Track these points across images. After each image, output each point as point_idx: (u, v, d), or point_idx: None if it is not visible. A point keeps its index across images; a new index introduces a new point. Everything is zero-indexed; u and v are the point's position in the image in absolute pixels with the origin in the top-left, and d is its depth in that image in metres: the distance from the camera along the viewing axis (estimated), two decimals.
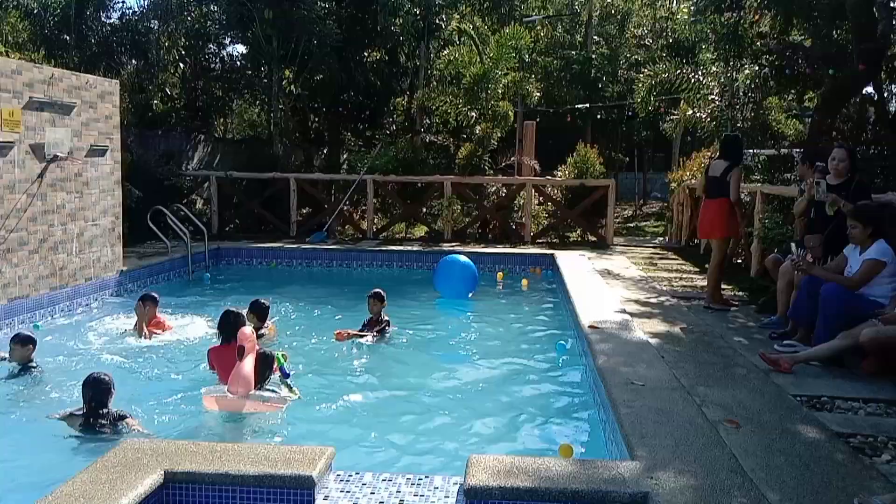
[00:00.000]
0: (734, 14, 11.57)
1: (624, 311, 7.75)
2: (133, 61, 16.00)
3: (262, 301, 7.45)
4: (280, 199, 15.73)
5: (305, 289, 10.97)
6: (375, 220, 15.87)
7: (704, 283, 9.03)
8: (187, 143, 17.44)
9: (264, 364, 5.61)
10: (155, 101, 18.12)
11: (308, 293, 10.45)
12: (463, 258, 10.54)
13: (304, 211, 16.88)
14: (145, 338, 7.51)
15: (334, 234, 15.52)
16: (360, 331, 7.78)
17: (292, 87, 19.20)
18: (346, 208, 16.23)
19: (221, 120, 23.06)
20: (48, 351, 6.91)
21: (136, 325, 7.69)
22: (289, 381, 5.73)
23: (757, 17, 12.13)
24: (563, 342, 7.46)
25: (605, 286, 9.58)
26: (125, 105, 14.92)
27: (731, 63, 13.32)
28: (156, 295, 7.92)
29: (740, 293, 9.18)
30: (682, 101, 15.73)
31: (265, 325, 7.39)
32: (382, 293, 8.01)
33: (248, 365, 5.43)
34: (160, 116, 17.88)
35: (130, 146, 13.61)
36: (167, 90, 18.81)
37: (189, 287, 11.15)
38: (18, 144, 8.16)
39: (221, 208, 15.75)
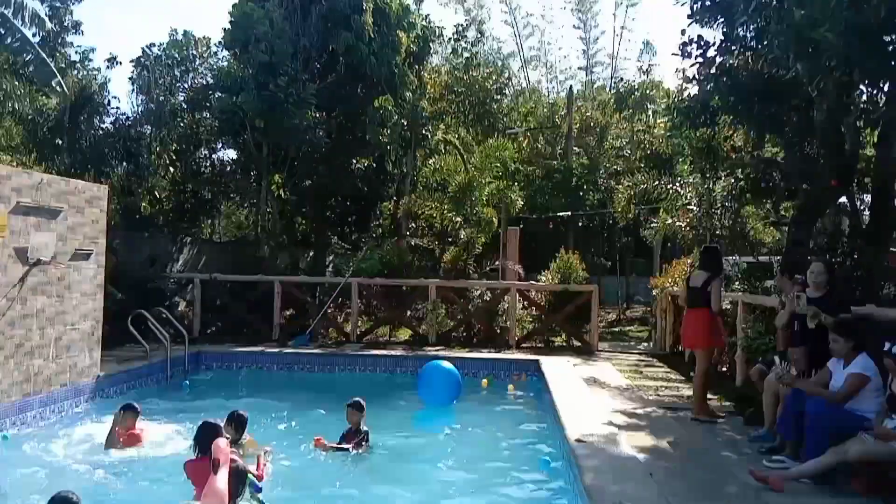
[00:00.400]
0: (708, 129, 12.02)
1: (611, 423, 7.62)
2: (124, 164, 16.23)
3: (241, 412, 7.24)
4: (264, 301, 15.63)
5: (286, 395, 10.70)
6: (360, 322, 15.77)
7: (691, 392, 8.94)
8: (173, 245, 17.48)
9: (238, 479, 5.39)
10: (143, 204, 18.29)
11: (288, 399, 10.20)
12: (446, 364, 10.41)
13: (288, 313, 16.77)
14: (119, 450, 7.23)
15: (318, 337, 15.37)
16: (339, 443, 7.57)
17: (281, 191, 19.51)
18: (330, 311, 16.14)
19: (209, 222, 23.25)
20: (15, 462, 6.63)
21: (108, 436, 7.41)
22: (259, 496, 5.51)
23: (731, 132, 12.61)
24: (546, 458, 7.25)
25: (591, 395, 9.45)
26: (113, 206, 15.05)
27: (708, 175, 13.72)
28: (138, 406, 7.69)
29: (727, 403, 9.08)
30: (661, 210, 16.12)
31: (243, 436, 7.15)
32: (362, 402, 7.84)
33: (221, 479, 5.21)
34: (147, 219, 17.98)
35: (116, 248, 13.60)
36: (156, 193, 19.02)
37: (167, 393, 10.87)
38: (2, 248, 8.13)
39: (204, 310, 15.61)
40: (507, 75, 25.72)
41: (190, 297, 16.06)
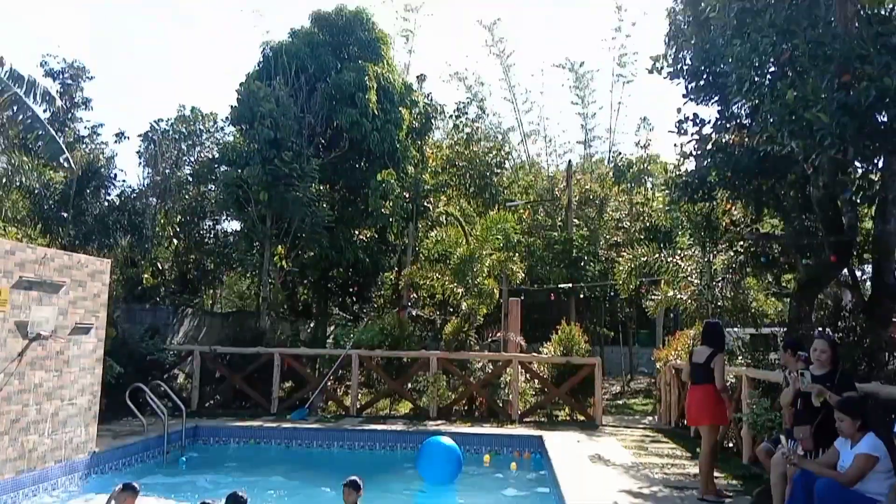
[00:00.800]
0: (706, 204, 12.16)
1: None
2: (127, 237, 16.38)
3: (240, 494, 7.06)
4: (264, 373, 15.49)
5: (283, 472, 10.49)
6: (360, 395, 15.57)
7: (697, 469, 8.75)
8: (174, 317, 17.45)
9: None
10: (145, 276, 18.35)
11: (286, 477, 9.99)
12: (447, 441, 10.22)
13: (288, 385, 16.59)
14: None
15: (317, 410, 15.15)
16: None
17: (283, 262, 19.59)
18: (330, 384, 15.96)
19: (211, 292, 23.27)
20: None
21: None
22: None
23: (728, 206, 12.74)
24: None
25: (595, 474, 9.24)
26: (115, 277, 15.10)
27: (707, 248, 13.80)
28: (137, 486, 7.51)
29: (734, 482, 8.87)
30: (663, 283, 16.15)
31: None
32: (359, 482, 7.65)
33: None
34: (149, 290, 18.02)
35: (116, 321, 13.58)
36: (158, 265, 19.11)
37: (164, 469, 10.66)
38: (2, 322, 8.12)
39: (203, 383, 15.45)
40: (507, 149, 26.21)
41: (189, 370, 15.92)
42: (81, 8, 58.58)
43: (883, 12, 8.94)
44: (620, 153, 30.48)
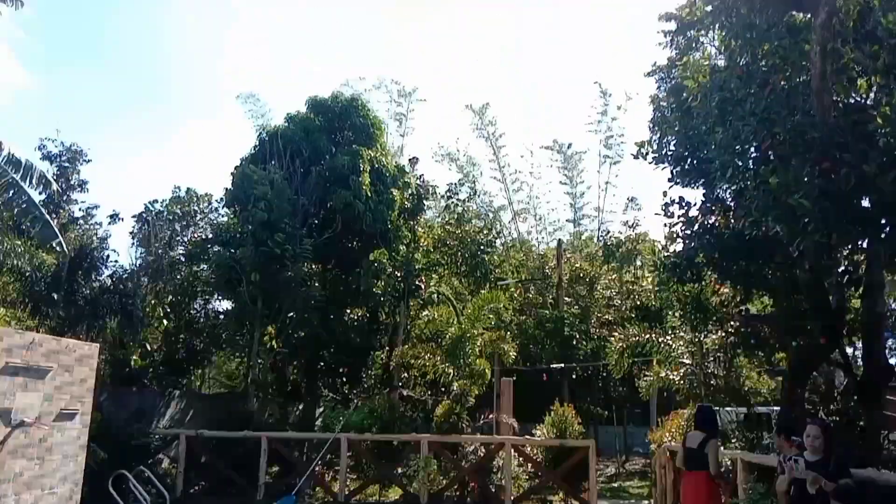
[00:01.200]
0: (695, 284, 12.24)
1: None
2: (117, 318, 16.29)
3: None
4: (250, 457, 15.10)
5: None
6: (348, 481, 15.17)
7: None
8: (161, 399, 17.14)
9: None
10: (134, 357, 18.15)
11: None
12: None
13: (275, 470, 16.17)
14: None
15: (304, 496, 14.72)
16: None
17: (273, 342, 19.45)
18: (318, 469, 15.56)
19: (199, 372, 22.96)
20: None
21: None
22: None
23: (718, 286, 12.84)
24: None
25: None
26: (103, 358, 14.92)
27: (698, 328, 13.82)
28: None
29: None
30: (655, 362, 16.08)
31: None
32: None
33: None
34: (137, 372, 17.79)
35: (102, 405, 13.34)
36: (147, 345, 18.93)
37: None
38: None
39: (188, 468, 15.04)
40: (497, 228, 26.56)
41: (174, 454, 15.53)
42: (83, 88, 60.06)
43: (859, 100, 9.29)
44: (609, 231, 30.89)
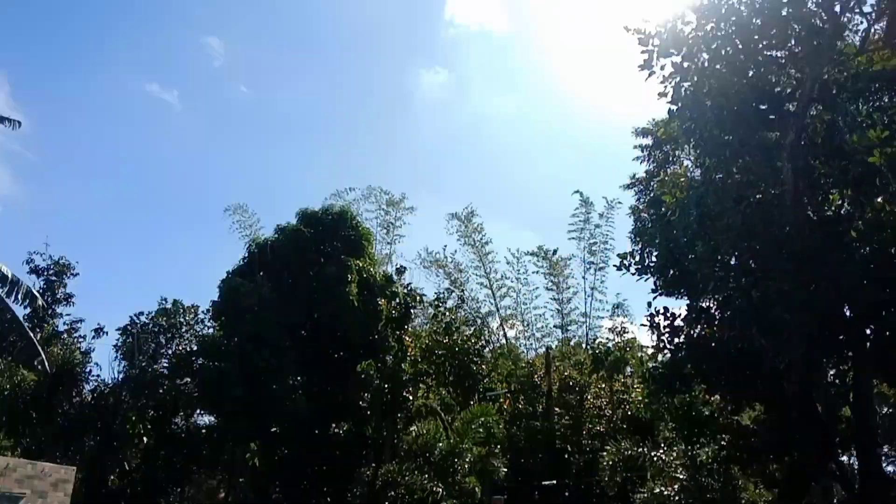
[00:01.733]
0: (685, 395, 12.14)
1: None
2: (96, 437, 15.82)
3: None
4: None
5: None
6: None
7: None
8: None
9: None
10: (112, 478, 17.51)
11: None
12: None
13: None
14: None
15: None
16: None
17: (256, 460, 18.88)
18: None
19: (178, 491, 22.04)
20: None
21: None
22: None
23: (708, 397, 12.73)
24: None
25: None
26: (80, 478, 14.34)
27: (691, 441, 13.58)
28: None
29: None
30: (649, 476, 15.65)
31: None
32: None
33: None
34: (115, 493, 17.11)
35: None
36: (126, 464, 18.29)
37: None
38: None
39: None
40: (485, 337, 26.31)
41: None
42: (73, 199, 60.71)
43: (832, 212, 9.57)
44: (597, 338, 30.69)
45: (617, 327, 27.50)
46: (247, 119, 63.34)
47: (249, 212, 23.39)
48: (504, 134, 61.63)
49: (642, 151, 11.12)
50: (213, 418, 19.94)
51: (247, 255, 19.24)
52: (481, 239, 32.52)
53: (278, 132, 62.90)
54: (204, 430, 20.32)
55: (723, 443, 13.28)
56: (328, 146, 63.37)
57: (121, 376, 18.23)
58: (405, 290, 20.67)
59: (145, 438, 19.06)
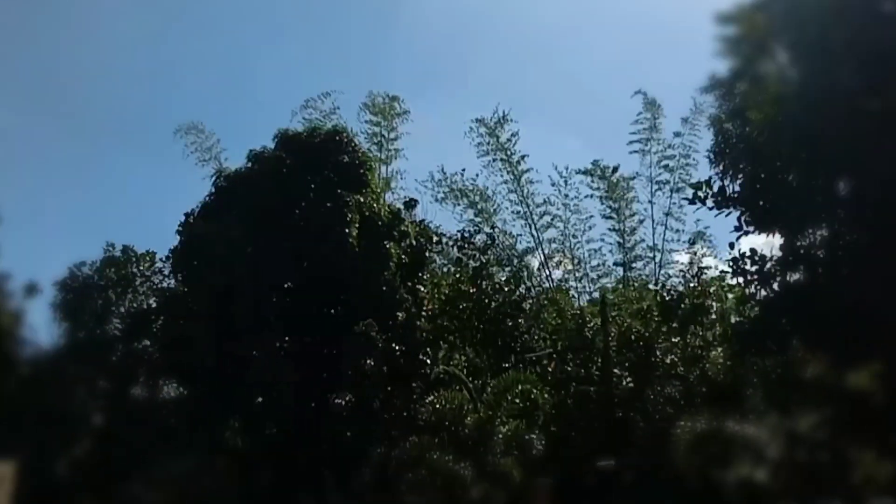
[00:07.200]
0: (779, 357, 12.37)
1: None
2: (37, 420, 16.43)
3: None
4: None
5: None
6: None
7: None
8: None
9: None
10: (61, 466, 18.24)
11: None
12: None
13: None
14: None
15: None
16: None
17: (238, 440, 19.49)
18: None
19: (144, 476, 22.82)
20: None
21: None
22: None
23: (809, 359, 12.96)
24: None
25: None
26: (20, 472, 15.01)
27: (789, 410, 13.91)
28: None
29: None
30: (735, 456, 16.08)
31: None
32: None
33: None
34: (64, 490, 17.87)
35: None
36: (75, 449, 19.01)
37: None
38: None
39: None
40: (524, 283, 26.31)
41: None
42: None
43: None
44: (669, 278, 30.66)
45: (695, 265, 27.40)
46: (202, 7, 62.35)
47: (206, 132, 23.22)
48: (542, 7, 60.31)
49: (726, 45, 10.96)
50: (182, 390, 20.51)
51: (213, 190, 19.35)
52: (515, 152, 32.21)
53: (244, 20, 61.96)
54: (171, 404, 20.92)
55: (828, 413, 13.56)
56: (309, 33, 62.38)
57: (62, 342, 18.78)
58: (417, 229, 20.72)
59: (98, 417, 19.69)
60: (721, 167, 11.28)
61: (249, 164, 19.69)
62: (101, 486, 19.28)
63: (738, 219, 10.84)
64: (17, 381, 16.94)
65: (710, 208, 10.95)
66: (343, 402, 20.62)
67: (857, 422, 13.25)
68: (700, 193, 10.89)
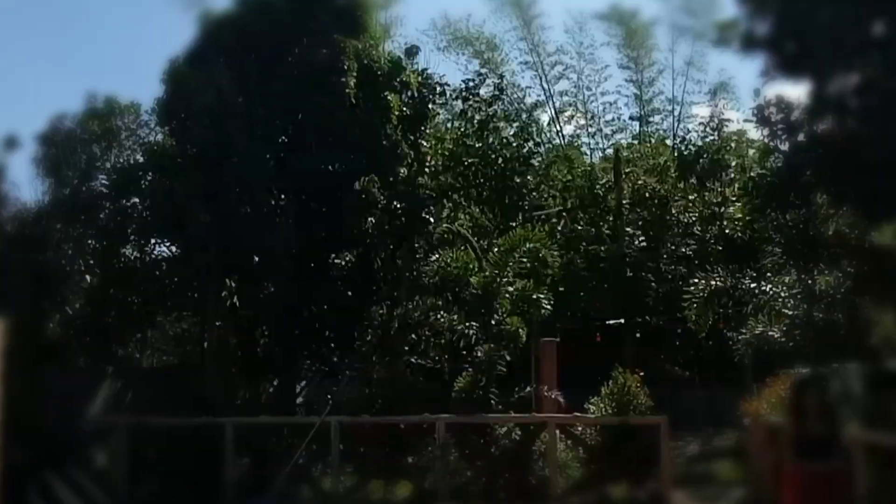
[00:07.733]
0: (802, 212, 12.26)
1: None
2: (26, 278, 16.54)
3: None
4: (212, 450, 15.60)
5: None
6: (342, 477, 15.69)
7: None
8: (90, 380, 17.56)
9: None
10: (51, 325, 18.52)
11: None
12: None
13: (245, 461, 16.67)
14: None
15: (285, 497, 15.29)
16: None
17: (235, 299, 19.68)
18: (301, 462, 16.07)
19: (139, 336, 23.26)
20: None
21: None
22: None
23: (833, 213, 12.85)
24: None
25: None
26: (12, 330, 15.21)
27: (807, 267, 13.91)
28: None
29: None
30: (749, 313, 16.22)
31: None
32: None
33: None
34: (57, 345, 18.17)
35: (12, 392, 13.70)
36: (67, 309, 19.25)
37: None
38: None
39: (132, 466, 15.58)
40: (533, 138, 26.11)
41: (113, 449, 16.02)
42: None
43: None
44: (689, 132, 30.32)
45: (716, 118, 27.03)
46: None
47: None
48: None
49: None
50: (175, 248, 20.61)
51: (199, 35, 18.84)
52: None
53: None
54: (164, 264, 21.08)
55: (849, 269, 13.53)
56: None
57: (46, 199, 18.73)
58: (420, 79, 20.35)
59: (88, 276, 19.85)
60: (749, 6, 10.85)
61: (237, 7, 19.06)
62: (96, 342, 19.63)
63: (766, 62, 10.52)
64: (1, 240, 16.98)
65: (736, 51, 10.60)
66: (343, 263, 20.74)
67: (879, 281, 13.25)
68: (726, 34, 10.52)
